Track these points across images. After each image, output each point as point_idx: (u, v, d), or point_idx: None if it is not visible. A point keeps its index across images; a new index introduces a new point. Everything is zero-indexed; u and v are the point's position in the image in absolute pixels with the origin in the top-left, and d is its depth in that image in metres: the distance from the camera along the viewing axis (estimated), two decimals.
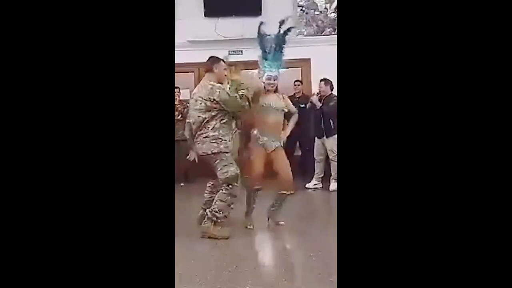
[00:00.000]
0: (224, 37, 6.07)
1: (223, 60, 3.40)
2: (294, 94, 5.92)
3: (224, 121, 3.21)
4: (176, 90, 5.86)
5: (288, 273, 2.69)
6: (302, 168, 5.69)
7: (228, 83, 3.28)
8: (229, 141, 3.25)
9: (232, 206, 3.27)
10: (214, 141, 3.19)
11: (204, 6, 6.15)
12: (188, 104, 6.04)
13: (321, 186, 5.31)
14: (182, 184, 5.75)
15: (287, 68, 5.99)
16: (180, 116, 5.86)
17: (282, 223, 3.57)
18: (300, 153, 6.00)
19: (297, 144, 5.92)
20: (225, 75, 3.35)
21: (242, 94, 3.18)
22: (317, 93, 5.22)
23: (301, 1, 6.33)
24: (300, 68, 6.33)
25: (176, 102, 5.87)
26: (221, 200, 3.23)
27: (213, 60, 3.36)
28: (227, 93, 3.15)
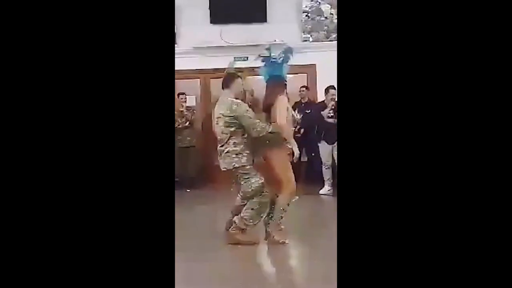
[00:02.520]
0: (230, 43, 6.09)
1: (240, 76, 3.44)
2: (300, 100, 5.91)
3: (245, 135, 3.23)
4: (182, 96, 5.88)
5: (299, 282, 2.65)
6: (309, 174, 5.68)
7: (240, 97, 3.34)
8: (250, 154, 3.26)
9: (262, 215, 3.26)
10: (235, 155, 3.20)
11: (210, 13, 6.18)
12: (195, 111, 6.12)
13: (332, 192, 5.22)
14: (188, 190, 5.75)
15: (294, 74, 6.06)
16: (188, 123, 5.87)
17: (287, 241, 3.34)
18: (306, 159, 5.97)
19: (303, 150, 5.90)
20: (242, 91, 3.40)
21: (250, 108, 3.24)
22: (331, 99, 5.09)
23: (306, 7, 6.34)
24: (306, 74, 6.33)
25: (183, 109, 5.88)
26: (251, 209, 3.22)
27: (230, 77, 3.41)
28: (244, 109, 3.20)
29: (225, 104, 3.24)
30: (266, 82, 3.45)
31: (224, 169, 3.28)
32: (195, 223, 4.14)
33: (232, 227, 3.28)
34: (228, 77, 3.40)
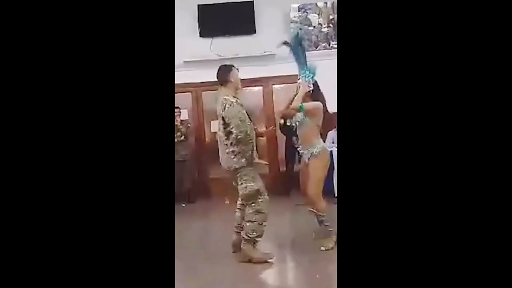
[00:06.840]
0: (220, 56, 6.13)
1: (235, 67, 3.23)
2: None
3: (241, 135, 3.03)
4: (176, 110, 5.88)
5: None
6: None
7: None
8: (251, 154, 3.10)
9: (264, 223, 3.12)
10: (234, 156, 3.08)
11: (199, 27, 6.22)
12: (189, 125, 6.10)
13: None
14: (183, 204, 5.72)
15: (283, 84, 6.08)
16: (183, 137, 5.85)
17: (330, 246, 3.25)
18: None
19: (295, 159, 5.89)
20: (240, 83, 3.20)
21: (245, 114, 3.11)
22: None
23: (294, 17, 6.40)
24: (296, 84, 6.35)
25: (177, 123, 5.88)
26: (250, 221, 3.10)
27: (225, 69, 3.20)
28: (236, 110, 3.05)
29: (221, 103, 3.09)
30: (313, 83, 3.40)
31: (227, 169, 3.15)
32: (192, 237, 4.12)
33: (243, 243, 3.13)
34: (222, 70, 3.19)
